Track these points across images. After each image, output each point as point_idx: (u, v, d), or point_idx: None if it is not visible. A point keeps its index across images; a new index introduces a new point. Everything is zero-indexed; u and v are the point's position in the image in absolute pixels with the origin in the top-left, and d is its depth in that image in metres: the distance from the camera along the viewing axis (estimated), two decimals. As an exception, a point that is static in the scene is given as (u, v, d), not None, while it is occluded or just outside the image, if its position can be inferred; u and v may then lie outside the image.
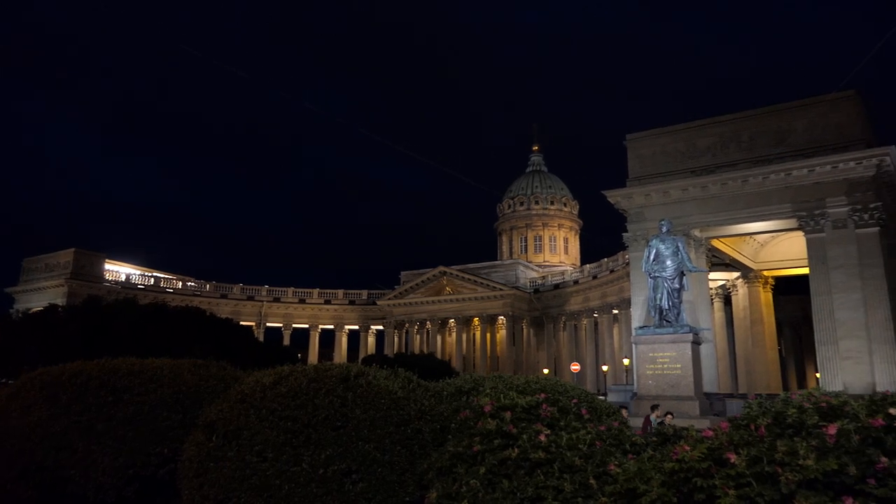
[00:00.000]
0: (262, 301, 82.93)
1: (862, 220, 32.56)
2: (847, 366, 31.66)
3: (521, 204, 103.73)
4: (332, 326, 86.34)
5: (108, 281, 72.33)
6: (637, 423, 18.77)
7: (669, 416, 18.81)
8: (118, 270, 76.38)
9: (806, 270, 35.64)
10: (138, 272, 79.44)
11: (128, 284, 73.20)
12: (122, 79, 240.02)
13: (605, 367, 68.06)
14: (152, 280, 78.07)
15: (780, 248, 45.59)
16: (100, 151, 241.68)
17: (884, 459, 3.83)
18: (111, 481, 8.21)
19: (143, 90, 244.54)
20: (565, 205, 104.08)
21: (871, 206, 32.46)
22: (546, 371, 72.26)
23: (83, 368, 9.18)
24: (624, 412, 18.20)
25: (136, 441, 8.39)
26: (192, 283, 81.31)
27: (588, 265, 77.89)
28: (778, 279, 48.80)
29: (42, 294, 67.78)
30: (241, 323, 57.76)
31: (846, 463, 3.85)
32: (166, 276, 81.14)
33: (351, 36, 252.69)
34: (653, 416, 19.38)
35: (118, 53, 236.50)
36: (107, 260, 74.80)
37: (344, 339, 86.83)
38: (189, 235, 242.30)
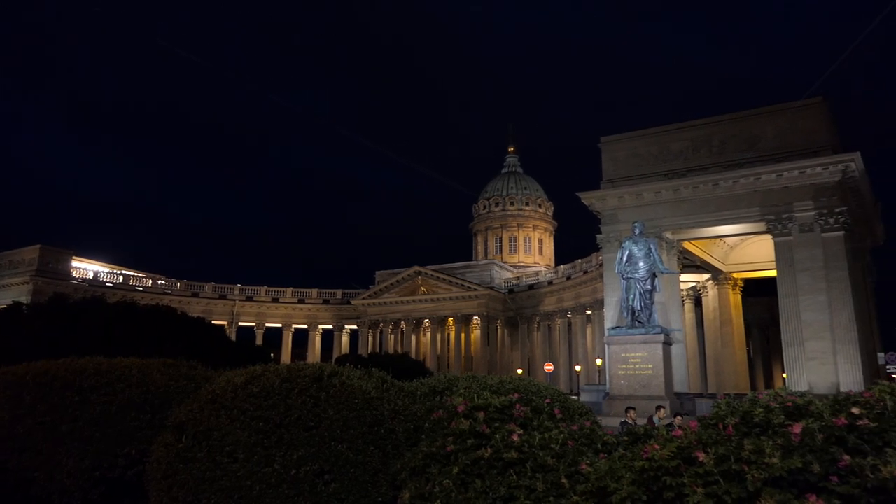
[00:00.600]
0: (235, 300, 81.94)
1: (828, 224, 33.37)
2: (812, 366, 32.43)
3: (497, 205, 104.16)
4: (305, 326, 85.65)
5: (75, 278, 70.73)
6: (609, 423, 18.75)
7: (679, 417, 18.48)
8: (86, 268, 74.81)
9: (774, 273, 36.42)
10: (107, 270, 77.83)
11: (95, 282, 71.69)
12: (93, 73, 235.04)
13: (578, 368, 68.65)
14: (121, 278, 76.56)
15: (749, 250, 46.52)
16: (68, 147, 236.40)
17: (846, 457, 3.93)
18: (77, 483, 8.03)
19: (115, 85, 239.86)
20: (540, 206, 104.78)
21: (837, 210, 33.29)
22: (520, 371, 72.63)
23: (48, 368, 8.96)
24: (632, 413, 18.04)
25: (102, 442, 8.22)
26: (163, 282, 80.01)
27: (562, 266, 78.52)
28: (747, 281, 49.79)
29: (6, 292, 65.98)
30: (213, 322, 56.87)
31: (810, 461, 3.94)
32: (136, 274, 79.67)
33: (329, 34, 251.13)
34: (656, 418, 18.94)
35: (90, 47, 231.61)
36: (74, 257, 73.15)
37: (318, 339, 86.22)
38: (160, 233, 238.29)
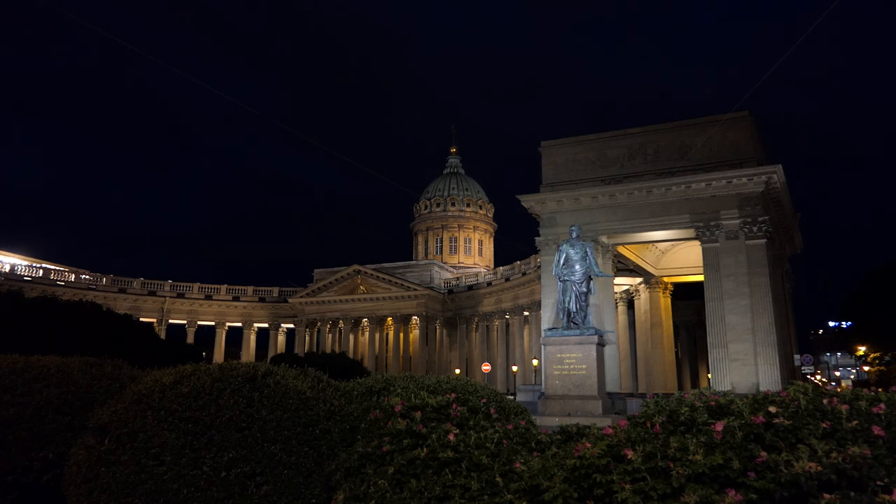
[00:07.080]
0: (165, 297, 78.96)
1: (751, 232, 35.06)
2: (735, 367, 33.98)
3: (438, 205, 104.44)
4: (240, 324, 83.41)
5: (-11, 271, 66.58)
6: (544, 422, 19.03)
7: None
8: (1, 261, 70.53)
9: (701, 277, 37.95)
10: (25, 262, 73.61)
11: (12, 276, 67.59)
12: (14, 60, 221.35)
13: (515, 368, 69.61)
14: (41, 272, 72.49)
15: (679, 255, 48.36)
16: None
17: (763, 454, 4.12)
18: (-14, 489, 7.56)
19: (40, 73, 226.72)
20: (481, 207, 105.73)
21: (760, 219, 35.02)
22: (458, 371, 73.04)
23: (-44, 366, 8.39)
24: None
25: (16, 446, 7.75)
26: (87, 276, 76.26)
27: (501, 267, 79.46)
28: (676, 285, 51.72)
29: (-90, 284, 61.40)
30: (141, 319, 54.65)
31: (730, 458, 4.11)
32: (57, 268, 75.67)
33: (269, 28, 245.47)
34: None
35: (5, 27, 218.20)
36: (-12, 249, 68.93)
37: (253, 338, 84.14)
38: (86, 228, 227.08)
